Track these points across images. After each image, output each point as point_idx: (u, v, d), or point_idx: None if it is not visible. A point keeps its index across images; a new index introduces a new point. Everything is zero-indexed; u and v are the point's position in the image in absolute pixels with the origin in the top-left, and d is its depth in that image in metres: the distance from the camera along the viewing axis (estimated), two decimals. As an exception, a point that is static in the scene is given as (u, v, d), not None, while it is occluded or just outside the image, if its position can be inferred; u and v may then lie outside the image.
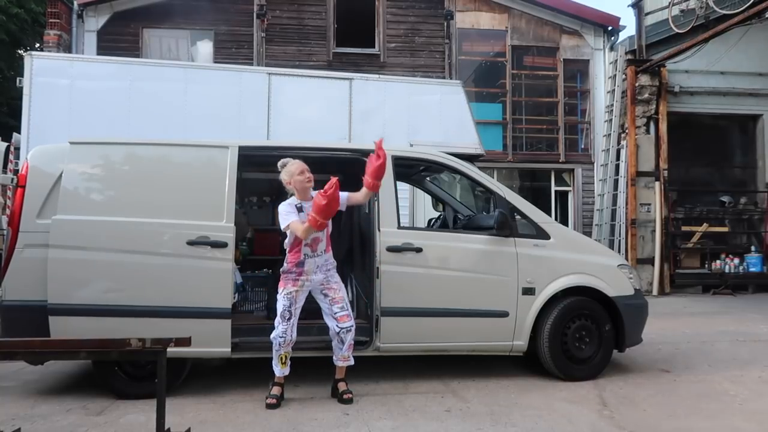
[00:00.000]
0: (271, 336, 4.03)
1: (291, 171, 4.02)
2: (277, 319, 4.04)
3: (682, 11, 10.76)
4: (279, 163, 4.12)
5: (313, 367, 4.51)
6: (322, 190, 3.72)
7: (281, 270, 4.10)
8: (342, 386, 4.16)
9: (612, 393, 4.37)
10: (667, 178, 11.12)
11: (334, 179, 3.73)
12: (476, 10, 12.14)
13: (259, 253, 6.66)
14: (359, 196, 4.06)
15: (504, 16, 12.19)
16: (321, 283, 4.09)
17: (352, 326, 4.10)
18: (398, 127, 6.96)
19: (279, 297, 4.06)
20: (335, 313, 4.07)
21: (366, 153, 4.58)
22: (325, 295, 4.10)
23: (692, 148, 11.62)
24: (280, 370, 4.07)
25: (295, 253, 4.02)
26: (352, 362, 4.18)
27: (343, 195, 3.97)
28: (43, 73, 6.38)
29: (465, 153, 6.00)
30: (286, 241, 4.08)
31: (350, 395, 4.10)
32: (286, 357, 4.05)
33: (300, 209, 4.00)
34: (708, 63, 11.01)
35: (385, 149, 4.70)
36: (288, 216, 3.97)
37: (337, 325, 4.07)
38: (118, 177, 4.31)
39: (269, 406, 3.95)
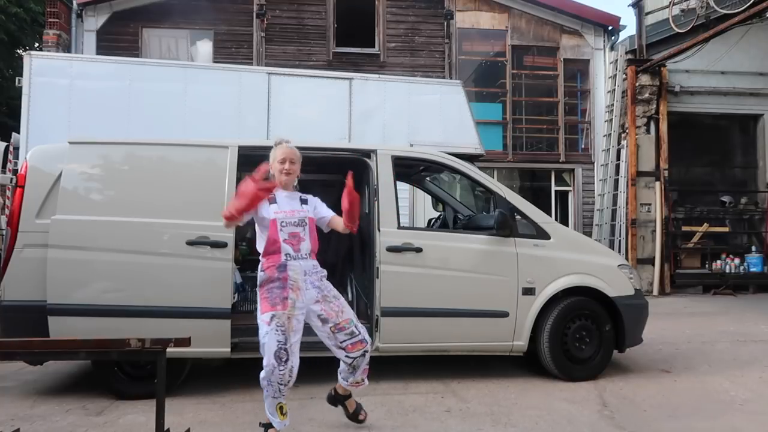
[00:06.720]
0: (262, 379, 3.17)
1: (274, 155, 3.41)
2: (269, 360, 3.11)
3: (682, 11, 10.75)
4: (275, 140, 3.53)
5: (313, 367, 4.49)
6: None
7: (259, 283, 3.25)
8: (352, 405, 3.60)
9: (612, 393, 4.37)
10: (668, 178, 11.11)
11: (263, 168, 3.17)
12: (476, 9, 12.14)
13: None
14: (339, 225, 3.42)
15: (504, 16, 12.18)
16: (316, 300, 3.25)
17: (366, 351, 3.34)
18: (398, 127, 6.96)
19: (265, 329, 3.13)
20: (342, 342, 3.28)
21: (366, 153, 4.59)
22: (324, 321, 3.26)
23: (693, 148, 11.63)
24: (279, 422, 3.20)
25: (273, 254, 3.21)
26: (366, 384, 3.53)
27: (327, 215, 3.46)
28: (43, 72, 6.37)
29: (465, 153, 6.00)
30: (258, 242, 3.33)
31: (364, 415, 3.58)
32: (284, 407, 3.23)
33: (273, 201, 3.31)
34: (708, 63, 11.01)
35: (385, 149, 4.70)
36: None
37: (347, 356, 3.32)
38: (117, 177, 4.30)
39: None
